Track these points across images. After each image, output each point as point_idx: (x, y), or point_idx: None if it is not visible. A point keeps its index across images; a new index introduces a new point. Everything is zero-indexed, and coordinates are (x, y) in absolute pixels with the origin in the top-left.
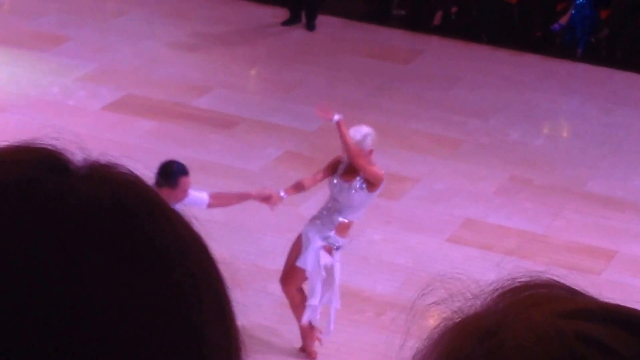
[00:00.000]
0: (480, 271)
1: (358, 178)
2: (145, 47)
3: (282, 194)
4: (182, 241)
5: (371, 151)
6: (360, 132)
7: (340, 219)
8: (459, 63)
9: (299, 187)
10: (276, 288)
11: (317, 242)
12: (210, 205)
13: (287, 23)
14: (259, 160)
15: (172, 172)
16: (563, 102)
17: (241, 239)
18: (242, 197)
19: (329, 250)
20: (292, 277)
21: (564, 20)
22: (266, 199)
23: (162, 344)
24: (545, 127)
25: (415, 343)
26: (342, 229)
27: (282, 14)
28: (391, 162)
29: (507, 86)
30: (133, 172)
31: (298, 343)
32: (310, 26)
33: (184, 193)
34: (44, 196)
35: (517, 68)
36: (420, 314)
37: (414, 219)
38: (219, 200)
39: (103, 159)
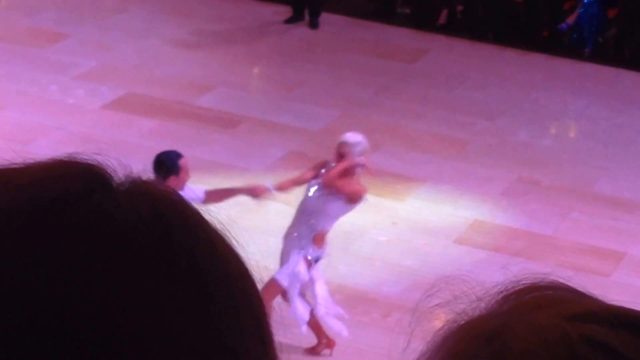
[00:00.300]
0: (487, 273)
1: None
2: (146, 44)
3: (268, 186)
4: (222, 259)
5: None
6: (355, 138)
7: (318, 229)
8: (465, 62)
9: (288, 185)
10: None
11: (295, 257)
12: (205, 201)
13: (290, 21)
14: (263, 160)
15: (170, 160)
16: (570, 102)
17: (244, 241)
18: (233, 192)
19: (309, 264)
20: (267, 289)
21: (571, 19)
22: (253, 191)
23: None
24: (552, 127)
25: (419, 345)
26: (319, 240)
27: (285, 11)
28: (397, 163)
29: (514, 86)
30: (174, 190)
31: (301, 342)
32: (314, 24)
33: (187, 174)
34: (87, 211)
35: (523, 68)
36: (425, 316)
37: (420, 220)
38: (213, 196)
39: (144, 176)
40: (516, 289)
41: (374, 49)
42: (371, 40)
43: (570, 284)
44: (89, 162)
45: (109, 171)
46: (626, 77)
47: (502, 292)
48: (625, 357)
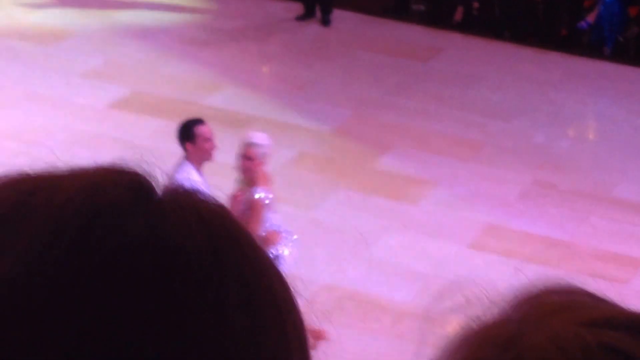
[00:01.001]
0: (502, 278)
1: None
2: (153, 42)
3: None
4: (266, 272)
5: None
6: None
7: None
8: (481, 61)
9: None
10: None
11: None
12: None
13: (301, 18)
14: (273, 162)
15: (187, 127)
16: (590, 103)
17: None
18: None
19: None
20: None
21: (591, 18)
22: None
23: None
24: (571, 129)
25: (431, 351)
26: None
27: (296, 8)
28: (409, 164)
29: (531, 86)
30: (215, 200)
31: (310, 348)
32: (325, 21)
33: (209, 142)
34: (135, 225)
35: (541, 67)
36: (437, 321)
37: (433, 224)
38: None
39: (186, 185)
40: (531, 293)
41: (387, 47)
42: (384, 38)
43: (586, 288)
44: (134, 170)
45: (152, 181)
46: None
47: (516, 296)
48: None
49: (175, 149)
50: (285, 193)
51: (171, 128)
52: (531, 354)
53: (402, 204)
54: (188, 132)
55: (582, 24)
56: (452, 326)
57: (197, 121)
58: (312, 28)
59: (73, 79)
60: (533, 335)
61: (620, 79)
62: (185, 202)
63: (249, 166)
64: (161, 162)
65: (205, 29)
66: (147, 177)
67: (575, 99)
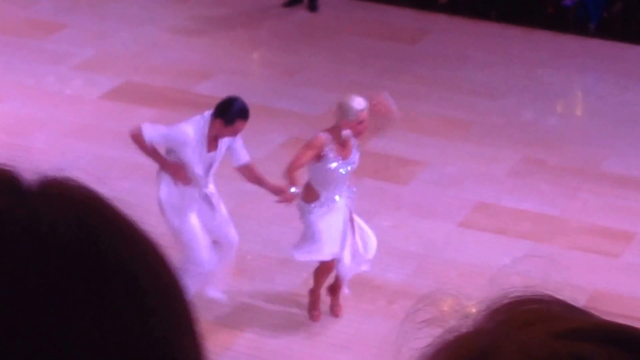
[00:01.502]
0: (493, 256)
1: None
2: (143, 32)
3: (294, 189)
4: (144, 256)
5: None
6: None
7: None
8: (468, 42)
9: (295, 176)
10: (283, 277)
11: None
12: (241, 169)
13: (288, 4)
14: (264, 147)
15: (231, 111)
16: (577, 80)
17: (246, 229)
18: (262, 182)
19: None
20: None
21: None
22: (279, 192)
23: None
24: (558, 105)
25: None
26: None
27: None
28: (399, 146)
29: (518, 64)
30: (87, 186)
31: (306, 330)
32: (313, 7)
33: (235, 135)
34: (5, 218)
35: (528, 46)
36: (411, 333)
37: (424, 204)
38: (247, 171)
39: (55, 174)
40: (504, 303)
41: (375, 31)
42: (371, 21)
43: (559, 296)
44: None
45: (17, 172)
46: (633, 53)
47: (489, 307)
48: None
49: None
50: (276, 178)
51: (163, 117)
52: None
53: (392, 185)
54: (228, 117)
55: (567, 1)
56: (426, 338)
57: (243, 114)
58: (300, 14)
59: (64, 70)
60: (505, 349)
61: (606, 54)
62: (55, 191)
63: (362, 129)
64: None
65: (195, 18)
66: (9, 171)
67: (563, 76)
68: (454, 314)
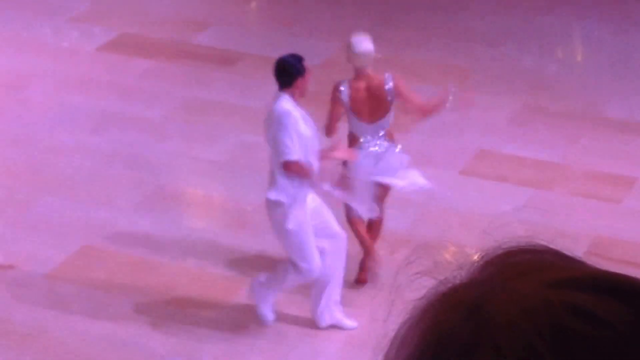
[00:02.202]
0: (494, 204)
1: None
2: None
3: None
4: None
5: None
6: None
7: None
8: None
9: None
10: None
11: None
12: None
13: None
14: (262, 97)
15: (298, 61)
16: (577, 25)
17: (246, 181)
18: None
19: None
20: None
21: None
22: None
23: None
24: (558, 52)
25: (400, 315)
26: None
27: None
28: None
29: (517, 11)
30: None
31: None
32: None
33: (302, 93)
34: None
35: None
36: (405, 285)
37: (424, 152)
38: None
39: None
40: (497, 254)
41: None
42: None
43: (552, 245)
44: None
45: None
46: None
47: (483, 257)
48: (612, 326)
49: (165, 89)
50: None
51: (160, 69)
52: (497, 317)
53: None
54: (300, 67)
55: None
56: (420, 289)
57: (299, 56)
58: None
59: (61, 23)
60: (498, 299)
61: (605, 0)
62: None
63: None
64: (153, 102)
65: None
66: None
67: (561, 22)
68: (448, 265)
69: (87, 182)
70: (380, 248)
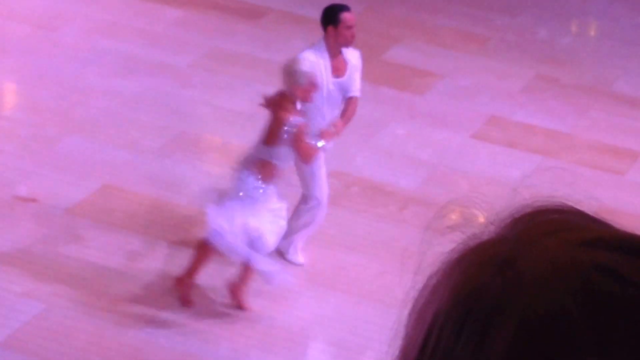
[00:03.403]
0: (503, 169)
1: None
2: None
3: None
4: None
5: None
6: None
7: None
8: None
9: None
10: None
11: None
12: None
13: None
14: (286, 52)
15: (333, 11)
16: (592, 1)
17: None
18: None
19: None
20: None
21: None
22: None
23: None
24: (573, 25)
25: (430, 269)
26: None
27: None
28: (417, 57)
29: None
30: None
31: (316, 232)
32: None
33: (350, 30)
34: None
35: None
36: (435, 238)
37: (438, 114)
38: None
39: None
40: (526, 212)
41: None
42: None
43: (578, 207)
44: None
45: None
46: None
47: (511, 214)
48: (636, 285)
49: (191, 38)
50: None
51: (189, 18)
52: (527, 273)
53: (408, 94)
54: (333, 17)
55: None
56: (450, 243)
57: (344, 7)
58: None
59: None
60: (528, 256)
61: None
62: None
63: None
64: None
65: None
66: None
67: None
68: (476, 221)
69: (112, 123)
70: (390, 204)
